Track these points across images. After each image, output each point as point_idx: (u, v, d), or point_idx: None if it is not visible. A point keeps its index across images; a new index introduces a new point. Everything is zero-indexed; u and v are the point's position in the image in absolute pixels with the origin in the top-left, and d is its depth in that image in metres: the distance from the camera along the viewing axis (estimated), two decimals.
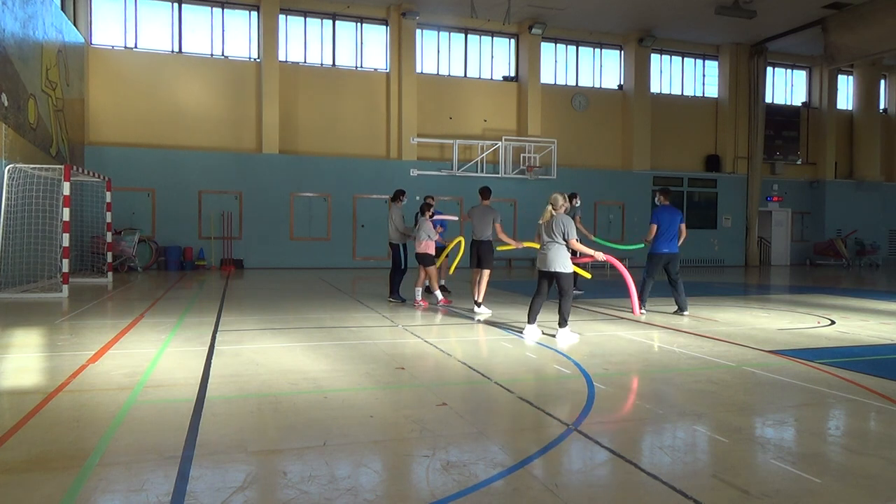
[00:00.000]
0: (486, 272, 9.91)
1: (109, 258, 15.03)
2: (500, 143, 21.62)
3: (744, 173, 25.04)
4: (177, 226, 19.04)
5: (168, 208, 19.02)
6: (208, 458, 3.52)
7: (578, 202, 12.11)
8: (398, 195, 11.13)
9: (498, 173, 21.66)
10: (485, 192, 10.33)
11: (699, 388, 5.20)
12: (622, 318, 9.31)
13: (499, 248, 10.16)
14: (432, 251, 10.48)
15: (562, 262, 7.39)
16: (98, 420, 4.17)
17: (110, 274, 14.90)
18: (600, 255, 7.94)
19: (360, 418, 4.29)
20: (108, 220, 15.06)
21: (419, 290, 10.65)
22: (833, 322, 9.24)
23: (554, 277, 7.47)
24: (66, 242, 11.87)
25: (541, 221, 7.56)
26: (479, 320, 9.09)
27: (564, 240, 7.36)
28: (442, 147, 21.75)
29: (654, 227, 9.75)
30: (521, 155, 21.81)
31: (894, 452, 3.76)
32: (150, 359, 6.05)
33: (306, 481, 3.22)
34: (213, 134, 19.71)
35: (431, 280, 10.57)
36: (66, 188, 11.86)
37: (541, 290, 7.68)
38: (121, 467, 3.38)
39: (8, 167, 11.67)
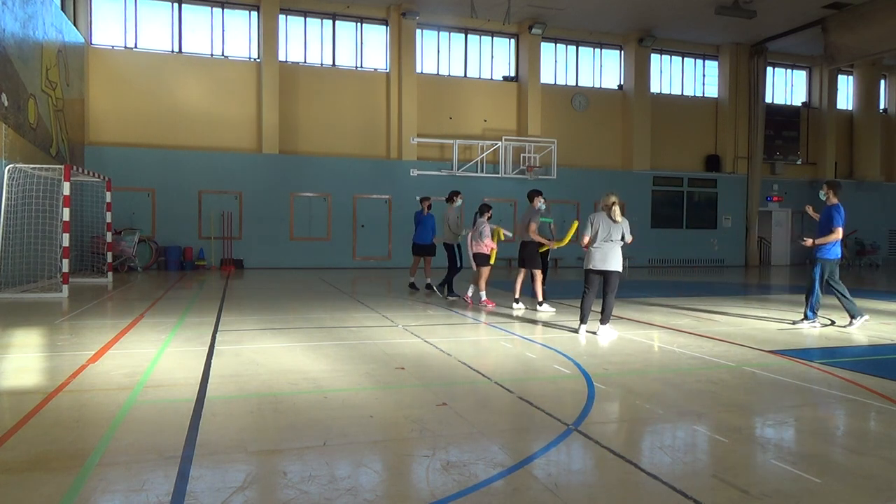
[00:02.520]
0: (537, 272, 10.16)
1: (109, 258, 15.02)
2: (500, 143, 21.61)
3: (744, 173, 25.03)
4: (177, 226, 19.03)
5: (168, 208, 19.01)
6: (208, 458, 3.52)
7: (542, 203, 11.72)
8: (452, 196, 11.23)
9: (498, 173, 21.66)
10: (530, 195, 10.47)
11: (699, 388, 5.20)
12: (622, 317, 9.31)
13: (540, 251, 10.36)
14: (488, 251, 10.70)
15: (619, 261, 7.72)
16: (98, 420, 4.17)
17: (110, 274, 14.89)
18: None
19: (360, 418, 4.29)
20: (108, 220, 15.05)
21: (481, 291, 10.75)
22: (833, 322, 9.24)
23: (606, 275, 7.75)
24: (66, 242, 11.86)
25: (615, 220, 7.78)
26: (532, 315, 9.47)
27: (623, 240, 7.68)
28: (442, 147, 21.74)
29: (840, 230, 8.36)
30: (521, 155, 21.81)
31: (894, 452, 3.76)
32: (150, 359, 6.05)
33: (306, 481, 3.22)
34: (213, 134, 19.70)
35: (484, 279, 10.72)
36: (66, 188, 11.85)
37: (592, 288, 7.92)
38: (121, 467, 3.38)
39: (8, 167, 11.67)
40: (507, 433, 4.13)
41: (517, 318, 9.35)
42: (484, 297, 10.66)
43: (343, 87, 20.90)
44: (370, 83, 21.22)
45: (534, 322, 8.92)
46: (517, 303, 10.32)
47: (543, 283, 10.31)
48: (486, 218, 10.72)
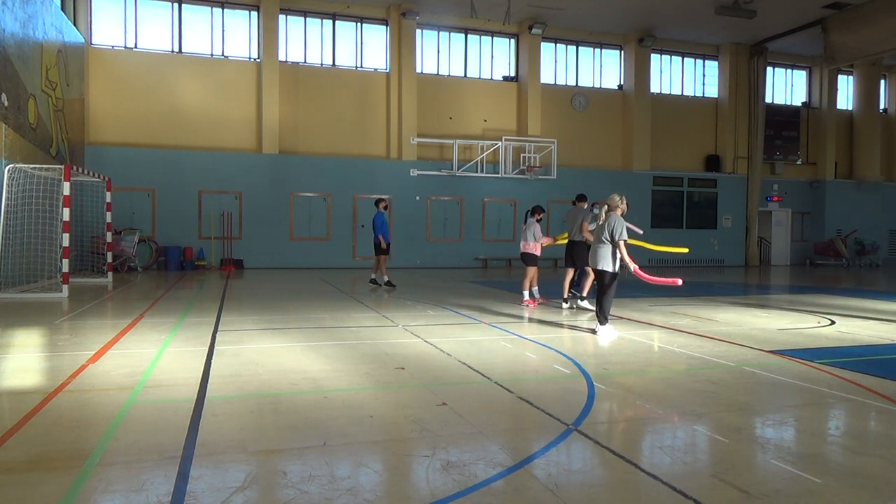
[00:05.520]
0: (590, 270, 10.20)
1: (109, 258, 15.02)
2: (500, 143, 21.61)
3: (744, 173, 25.03)
4: (177, 226, 19.03)
5: (168, 208, 19.01)
6: (208, 458, 3.52)
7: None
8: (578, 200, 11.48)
9: (498, 173, 21.65)
10: (580, 197, 10.84)
11: (699, 388, 5.20)
12: (622, 318, 9.31)
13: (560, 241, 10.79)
14: (538, 252, 10.89)
15: (606, 261, 7.73)
16: (98, 420, 4.17)
17: (110, 274, 14.90)
18: (632, 266, 7.96)
19: (360, 418, 4.29)
20: (108, 220, 15.05)
21: (526, 290, 10.84)
22: (833, 322, 9.24)
23: (598, 274, 7.85)
24: (66, 242, 11.86)
25: (599, 222, 7.97)
26: (575, 307, 9.94)
27: (612, 240, 7.68)
28: (442, 147, 21.74)
29: None
30: (521, 155, 21.80)
31: (894, 452, 3.76)
32: (150, 359, 6.05)
33: (306, 481, 3.22)
34: (213, 134, 19.70)
35: (529, 279, 10.83)
36: (66, 188, 11.85)
37: (598, 284, 8.04)
38: (121, 467, 3.38)
39: (8, 167, 11.66)
40: (507, 433, 4.13)
41: (518, 317, 9.34)
42: (526, 297, 10.77)
43: (343, 87, 20.90)
44: (370, 83, 21.21)
45: (533, 322, 8.92)
46: (566, 302, 10.49)
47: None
48: (537, 219, 10.92)
